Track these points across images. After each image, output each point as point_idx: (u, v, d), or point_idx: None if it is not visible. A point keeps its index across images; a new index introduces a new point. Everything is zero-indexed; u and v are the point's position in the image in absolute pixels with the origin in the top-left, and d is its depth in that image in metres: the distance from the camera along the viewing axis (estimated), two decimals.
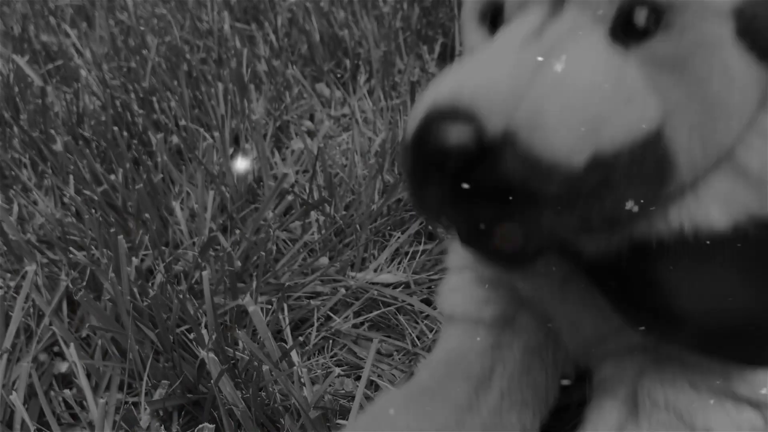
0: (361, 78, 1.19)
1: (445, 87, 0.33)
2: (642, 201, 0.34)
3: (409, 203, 0.78)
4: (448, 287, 0.56)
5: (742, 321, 0.37)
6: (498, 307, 0.53)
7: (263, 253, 0.71)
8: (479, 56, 0.35)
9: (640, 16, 0.34)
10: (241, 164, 0.89)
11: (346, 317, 0.70)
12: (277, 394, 0.59)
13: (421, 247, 0.78)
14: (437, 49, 1.23)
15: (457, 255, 0.56)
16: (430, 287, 0.73)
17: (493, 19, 0.40)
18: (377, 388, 0.62)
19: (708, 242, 0.36)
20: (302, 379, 0.59)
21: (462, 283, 0.55)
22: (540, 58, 0.33)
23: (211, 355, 0.58)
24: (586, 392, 0.51)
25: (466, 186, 0.32)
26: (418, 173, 0.34)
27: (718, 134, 0.35)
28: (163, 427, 0.58)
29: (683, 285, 0.37)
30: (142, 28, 1.36)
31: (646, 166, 0.34)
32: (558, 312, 0.49)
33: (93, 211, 0.80)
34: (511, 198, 0.31)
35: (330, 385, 0.62)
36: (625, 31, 0.34)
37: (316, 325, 0.69)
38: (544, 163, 0.31)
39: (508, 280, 0.52)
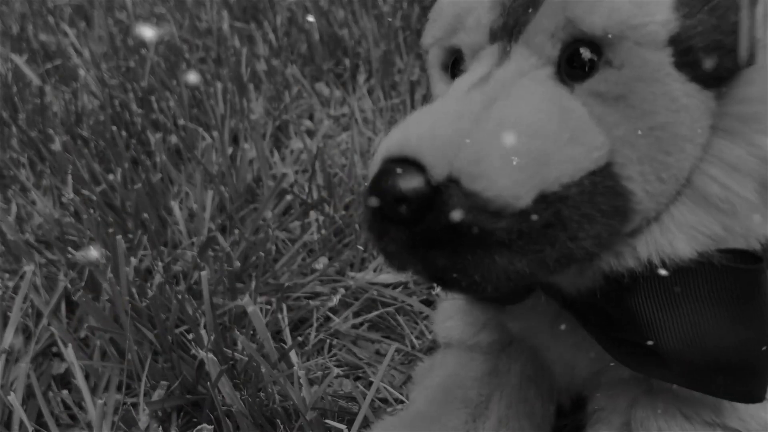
0: (361, 77, 1.19)
1: (395, 138, 0.34)
2: (601, 236, 0.34)
3: None
4: (443, 314, 0.56)
5: (723, 355, 0.37)
6: (494, 332, 0.53)
7: (262, 254, 0.71)
8: (429, 107, 0.37)
9: (585, 54, 0.34)
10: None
11: (346, 317, 0.70)
12: (276, 395, 0.58)
13: None
14: None
15: None
16: (429, 287, 0.73)
17: (454, 68, 0.41)
18: (376, 389, 0.62)
19: (676, 273, 0.36)
20: (300, 380, 0.59)
21: (457, 310, 0.55)
22: (481, 104, 0.34)
23: (210, 355, 0.57)
24: (581, 420, 0.51)
25: (418, 231, 0.32)
26: (376, 225, 0.34)
27: (672, 163, 0.35)
28: (161, 428, 0.58)
29: (658, 319, 0.37)
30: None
31: (598, 201, 0.34)
32: (550, 350, 0.49)
33: (91, 211, 0.80)
34: (463, 242, 0.32)
35: (329, 385, 0.62)
36: (570, 71, 0.35)
37: (315, 325, 0.69)
38: (489, 205, 0.32)
39: (498, 320, 0.52)
